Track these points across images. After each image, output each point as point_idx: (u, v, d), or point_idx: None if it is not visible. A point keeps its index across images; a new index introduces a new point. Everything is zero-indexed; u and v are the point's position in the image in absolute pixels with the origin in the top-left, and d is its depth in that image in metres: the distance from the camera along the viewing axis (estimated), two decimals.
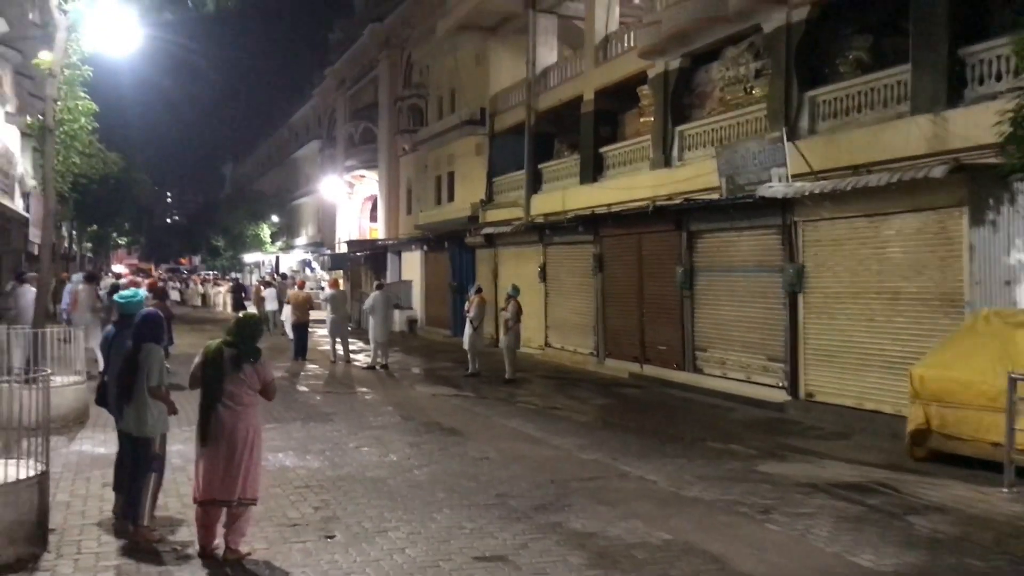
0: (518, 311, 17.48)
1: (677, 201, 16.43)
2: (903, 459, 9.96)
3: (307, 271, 51.91)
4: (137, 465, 6.63)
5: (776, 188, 13.44)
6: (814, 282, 13.30)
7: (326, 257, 47.64)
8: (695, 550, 6.62)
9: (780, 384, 13.84)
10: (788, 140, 13.72)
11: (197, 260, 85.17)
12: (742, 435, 11.70)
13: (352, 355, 20.56)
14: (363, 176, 43.97)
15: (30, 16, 27.14)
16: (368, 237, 43.17)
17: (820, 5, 14.48)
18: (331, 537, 6.75)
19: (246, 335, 6.35)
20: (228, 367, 6.25)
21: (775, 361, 14.03)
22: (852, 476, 9.28)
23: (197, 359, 6.43)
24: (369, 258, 36.69)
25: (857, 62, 14.19)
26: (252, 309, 27.87)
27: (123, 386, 6.68)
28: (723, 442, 11.17)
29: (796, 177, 13.53)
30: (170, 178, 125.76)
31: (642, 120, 19.80)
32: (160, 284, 25.48)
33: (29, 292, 14.52)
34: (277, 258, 61.50)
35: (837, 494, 8.43)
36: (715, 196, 15.28)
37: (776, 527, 7.30)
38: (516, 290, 17.78)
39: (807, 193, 12.79)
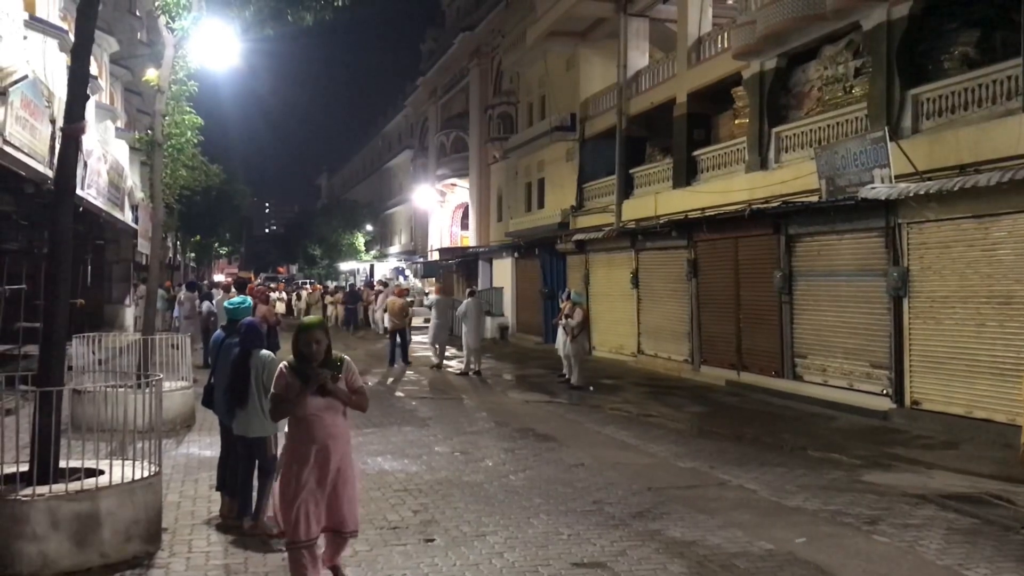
0: (584, 318, 17.28)
1: (775, 204, 16.10)
2: (1017, 470, 9.52)
3: (400, 279, 52.73)
4: (258, 466, 6.97)
5: (879, 189, 13.04)
6: (920, 286, 12.85)
7: (419, 265, 48.28)
8: (798, 560, 6.46)
9: (884, 392, 13.41)
10: (891, 140, 13.27)
11: (294, 269, 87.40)
12: (845, 444, 11.38)
13: (445, 361, 20.77)
14: (454, 184, 44.41)
15: (139, 36, 28.42)
16: (459, 244, 43.59)
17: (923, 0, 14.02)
18: (431, 540, 6.82)
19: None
20: None
21: (879, 368, 13.60)
22: (963, 487, 8.93)
23: None
24: (461, 265, 37.02)
25: (963, 58, 13.65)
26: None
27: (235, 391, 6.93)
28: (825, 451, 10.88)
29: (899, 178, 13.10)
30: (268, 189, 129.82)
31: (737, 122, 19.46)
32: (266, 292, 26.04)
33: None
34: (372, 266, 62.66)
35: (947, 505, 8.12)
36: (814, 198, 14.91)
37: (883, 538, 7.07)
38: (579, 295, 17.55)
39: (911, 194, 12.38)
